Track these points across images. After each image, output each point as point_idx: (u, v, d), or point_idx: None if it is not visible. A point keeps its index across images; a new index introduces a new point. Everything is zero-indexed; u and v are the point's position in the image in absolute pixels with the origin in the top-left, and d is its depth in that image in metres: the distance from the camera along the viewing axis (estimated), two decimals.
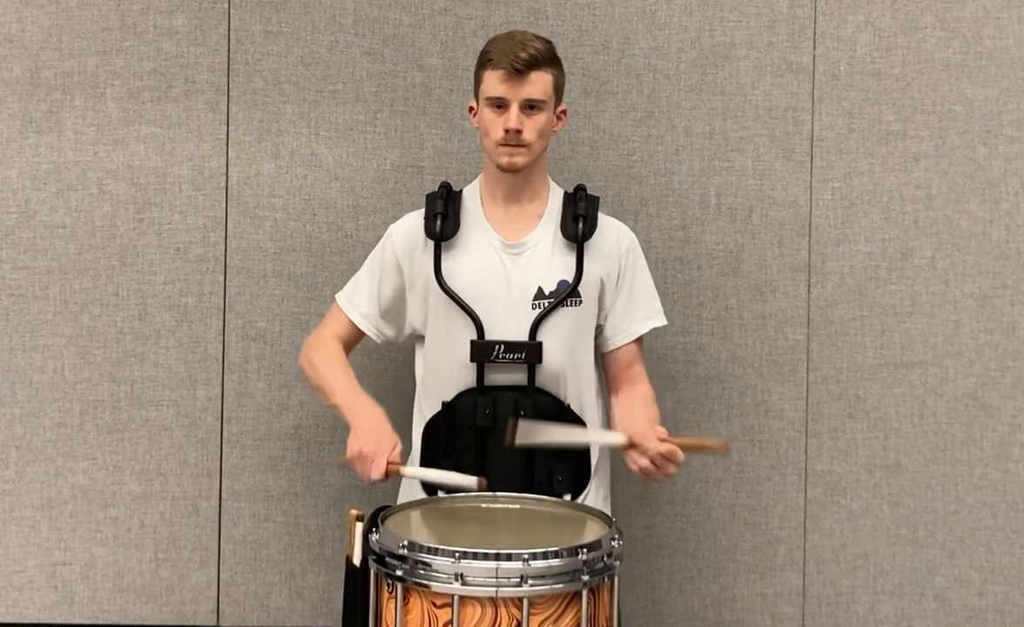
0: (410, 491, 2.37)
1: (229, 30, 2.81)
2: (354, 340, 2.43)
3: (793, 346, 2.85)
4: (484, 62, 2.30)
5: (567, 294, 2.31)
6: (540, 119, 2.29)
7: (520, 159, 2.29)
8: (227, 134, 2.81)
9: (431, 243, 2.35)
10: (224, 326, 2.82)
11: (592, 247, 2.35)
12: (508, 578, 1.81)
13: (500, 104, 2.27)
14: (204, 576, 2.83)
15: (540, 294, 2.31)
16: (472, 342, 2.29)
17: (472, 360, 2.29)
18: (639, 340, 2.41)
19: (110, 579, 2.83)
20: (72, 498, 2.81)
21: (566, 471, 2.29)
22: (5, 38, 2.79)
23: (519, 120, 2.26)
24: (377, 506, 2.05)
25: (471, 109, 2.37)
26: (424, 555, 1.84)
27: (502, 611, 1.82)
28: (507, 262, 2.34)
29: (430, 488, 2.30)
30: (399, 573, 1.86)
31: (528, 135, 2.27)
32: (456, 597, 1.81)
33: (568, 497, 2.27)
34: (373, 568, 1.93)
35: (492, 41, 2.33)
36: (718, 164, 2.84)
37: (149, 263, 2.81)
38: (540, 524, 2.06)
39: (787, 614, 2.87)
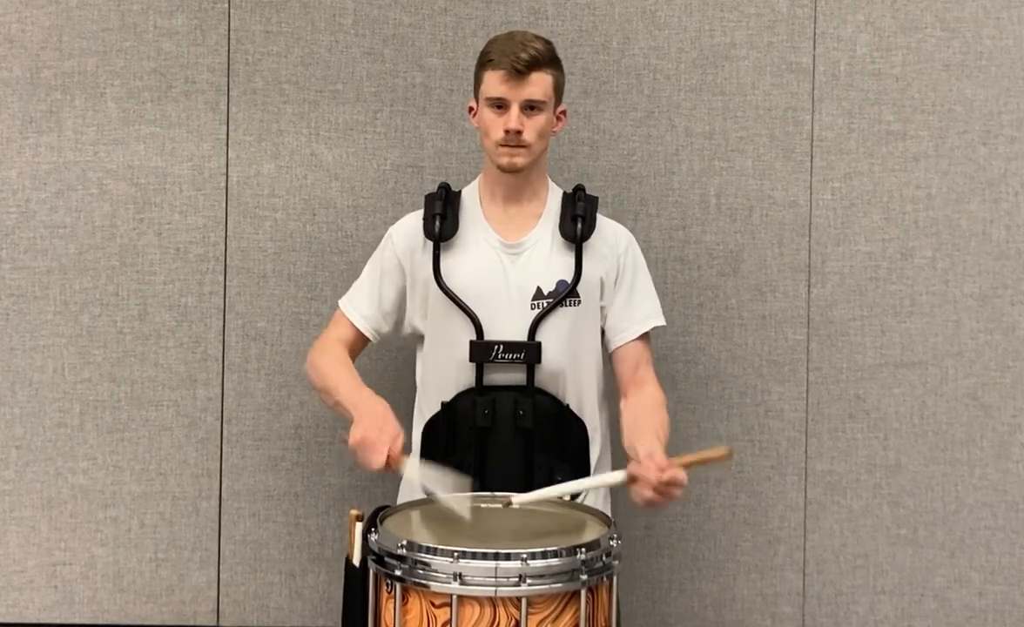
0: (410, 491, 2.37)
1: (229, 30, 2.81)
2: (358, 344, 2.42)
3: (793, 346, 2.85)
4: (484, 62, 2.30)
5: (566, 294, 2.31)
6: (540, 120, 2.29)
7: (520, 159, 2.29)
8: (227, 134, 2.81)
9: (431, 243, 2.35)
10: (224, 326, 2.82)
11: (591, 247, 2.35)
12: (507, 577, 1.81)
13: (500, 104, 2.28)
14: (204, 576, 2.83)
15: (539, 294, 2.31)
16: (471, 342, 2.29)
17: (471, 360, 2.29)
18: (644, 341, 2.40)
19: (110, 579, 2.83)
20: (72, 498, 2.82)
21: (566, 471, 2.29)
22: (5, 38, 2.79)
23: (519, 120, 2.26)
24: (377, 506, 2.05)
25: (471, 109, 2.37)
26: (423, 555, 1.84)
27: (500, 611, 1.82)
28: (506, 262, 2.34)
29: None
30: (398, 573, 1.86)
31: (528, 136, 2.28)
32: (455, 597, 1.81)
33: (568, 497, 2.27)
34: (372, 568, 1.93)
35: (492, 41, 2.33)
36: (718, 164, 2.84)
37: (149, 263, 2.81)
38: (539, 524, 2.06)
39: (787, 614, 2.86)
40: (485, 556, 1.82)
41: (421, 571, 1.84)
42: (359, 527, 2.01)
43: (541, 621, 1.83)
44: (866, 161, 2.84)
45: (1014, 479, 2.85)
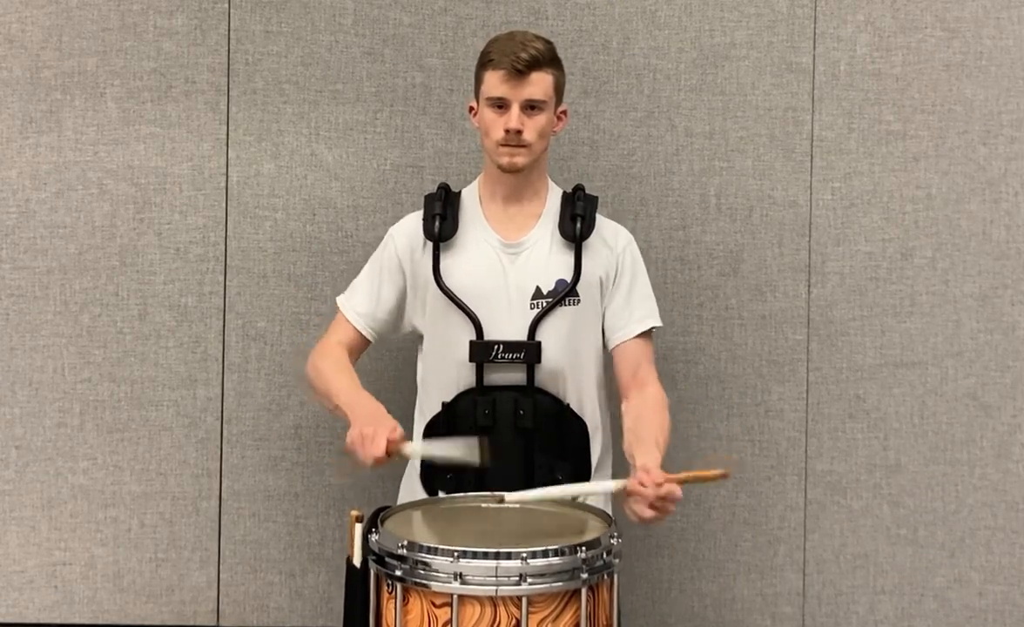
0: (410, 491, 2.38)
1: (229, 30, 2.81)
2: (358, 345, 2.42)
3: (793, 346, 2.85)
4: (485, 62, 2.30)
5: (565, 293, 2.31)
6: (540, 119, 2.29)
7: (520, 159, 2.29)
8: (227, 134, 2.81)
9: (430, 244, 2.35)
10: (224, 326, 2.82)
11: (590, 247, 2.35)
12: (507, 577, 1.81)
13: (501, 104, 2.28)
14: (204, 576, 2.83)
15: (538, 293, 2.31)
16: (471, 342, 2.29)
17: (471, 360, 2.29)
18: (644, 340, 2.38)
19: (110, 579, 2.83)
20: (72, 498, 2.82)
21: (567, 470, 2.29)
22: (5, 38, 2.79)
23: (520, 120, 2.26)
24: (377, 506, 2.05)
25: (471, 109, 2.37)
26: (423, 555, 1.84)
27: (501, 610, 1.82)
28: (505, 262, 2.34)
29: (430, 488, 2.30)
30: (398, 573, 1.86)
31: (529, 135, 2.28)
32: (455, 596, 1.81)
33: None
34: (373, 568, 1.93)
35: (493, 41, 2.33)
36: (718, 164, 2.84)
37: (149, 263, 2.81)
38: (540, 523, 2.06)
39: (787, 614, 2.86)
40: (486, 555, 1.82)
41: (422, 571, 1.84)
42: (359, 528, 2.00)
43: (542, 620, 1.83)
44: (866, 161, 2.84)
45: (1014, 479, 2.85)
